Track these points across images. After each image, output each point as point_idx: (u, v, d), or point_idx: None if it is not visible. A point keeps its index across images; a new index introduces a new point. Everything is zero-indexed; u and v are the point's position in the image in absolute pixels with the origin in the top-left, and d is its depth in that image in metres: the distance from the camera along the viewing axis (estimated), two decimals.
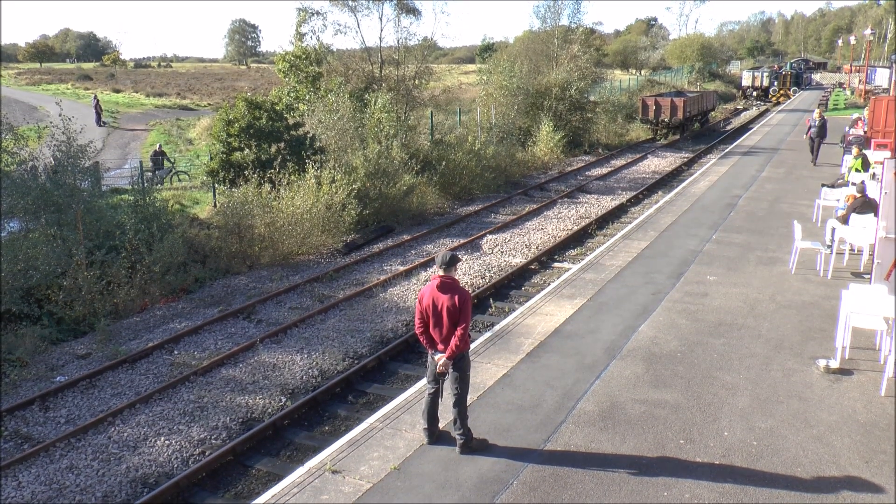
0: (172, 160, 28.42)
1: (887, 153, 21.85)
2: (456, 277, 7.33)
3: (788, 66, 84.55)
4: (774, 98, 65.98)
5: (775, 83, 66.96)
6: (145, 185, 19.17)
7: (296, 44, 30.93)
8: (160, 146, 28.53)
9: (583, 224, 20.69)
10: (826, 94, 58.79)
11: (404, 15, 33.44)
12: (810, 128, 26.30)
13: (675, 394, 8.77)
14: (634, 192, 25.46)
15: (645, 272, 13.80)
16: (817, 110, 26.48)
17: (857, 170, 19.49)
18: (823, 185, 19.12)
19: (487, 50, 79.26)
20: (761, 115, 54.16)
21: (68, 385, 11.34)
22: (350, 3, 32.75)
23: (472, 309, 7.43)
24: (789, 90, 67.29)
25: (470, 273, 16.28)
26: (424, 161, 24.36)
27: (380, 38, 33.54)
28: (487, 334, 10.90)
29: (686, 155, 35.39)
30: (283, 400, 10.81)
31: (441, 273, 7.21)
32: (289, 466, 8.84)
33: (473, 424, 7.77)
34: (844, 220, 14.03)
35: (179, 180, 26.74)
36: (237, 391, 11.00)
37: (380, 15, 33.46)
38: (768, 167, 26.40)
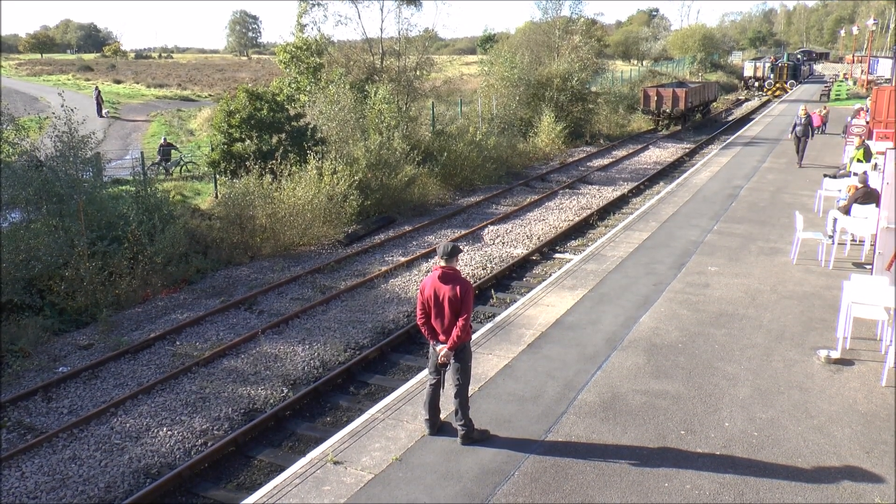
0: (181, 151, 28.47)
1: (889, 143, 21.78)
2: (457, 268, 7.33)
3: (785, 57, 76.83)
4: (770, 92, 62.21)
5: (771, 76, 63.40)
6: (147, 175, 19.13)
7: (297, 35, 30.82)
8: (165, 138, 28.54)
9: (584, 215, 20.68)
10: (827, 86, 57.30)
11: (405, 6, 33.31)
12: (795, 125, 24.30)
13: (676, 384, 8.78)
14: (636, 183, 25.44)
15: (646, 263, 13.80)
16: (802, 107, 24.73)
17: (858, 160, 19.45)
18: (825, 176, 19.09)
19: (489, 41, 78.94)
20: (763, 105, 54.02)
21: (71, 375, 11.36)
22: None
23: (473, 300, 7.42)
24: (786, 83, 63.12)
25: (471, 264, 16.28)
26: (426, 152, 24.32)
27: (381, 29, 33.48)
28: (489, 325, 10.91)
29: (687, 146, 35.35)
30: (285, 391, 10.83)
31: (443, 264, 7.21)
32: (291, 457, 8.86)
33: (475, 415, 7.79)
34: (846, 210, 14.02)
35: (189, 171, 26.77)
36: (239, 382, 11.03)
37: (381, 6, 33.44)
38: (770, 158, 26.36)
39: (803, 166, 24.05)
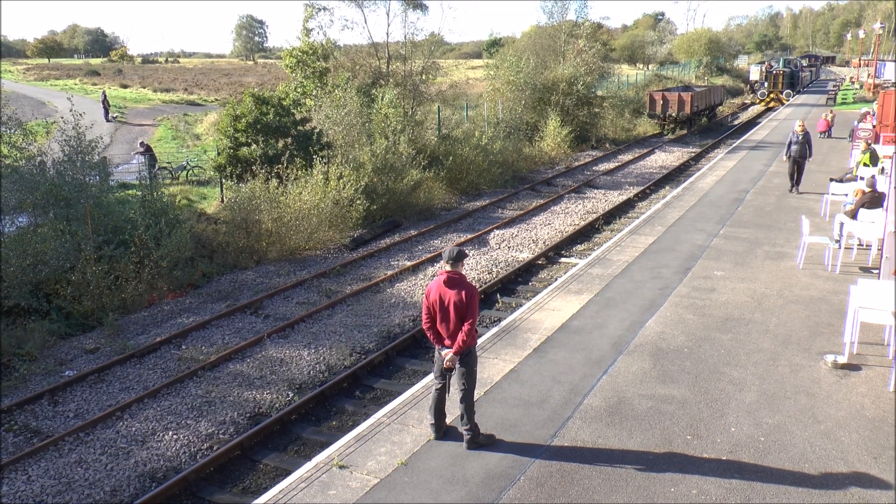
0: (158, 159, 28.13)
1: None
2: (463, 273, 7.33)
3: (781, 63, 63.44)
4: (763, 103, 54.98)
5: (765, 84, 55.57)
6: (153, 179, 19.18)
7: (303, 39, 30.93)
8: (142, 142, 28.29)
9: (590, 219, 20.66)
10: (834, 89, 56.16)
11: (411, 10, 33.43)
12: (790, 144, 20.02)
13: (682, 389, 8.75)
14: (642, 187, 25.40)
15: (652, 267, 13.77)
16: (799, 122, 20.38)
17: (865, 164, 19.38)
18: (832, 180, 19.03)
19: (494, 45, 79.07)
20: (769, 109, 53.84)
21: (77, 379, 11.39)
22: None
23: (479, 304, 7.42)
24: (782, 93, 54.79)
25: (477, 268, 16.28)
26: (431, 156, 24.34)
27: (387, 34, 33.58)
28: (494, 329, 10.90)
29: (693, 150, 35.28)
30: (291, 395, 10.84)
31: (448, 268, 7.21)
32: (296, 461, 8.87)
33: (480, 420, 7.78)
34: (853, 214, 13.97)
35: (195, 174, 26.81)
36: (244, 386, 11.04)
37: (387, 10, 33.74)
38: (776, 161, 26.27)
39: (801, 193, 20.55)
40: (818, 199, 18.85)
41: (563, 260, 17.18)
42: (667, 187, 25.86)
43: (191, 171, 26.98)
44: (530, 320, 11.19)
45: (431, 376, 8.42)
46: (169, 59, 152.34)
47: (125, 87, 66.90)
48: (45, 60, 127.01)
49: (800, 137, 19.79)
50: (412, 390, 9.11)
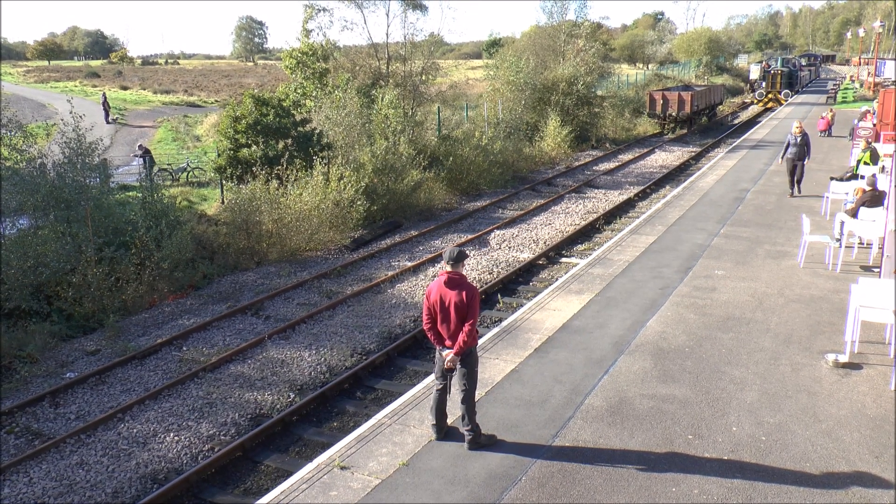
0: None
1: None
2: (464, 273, 7.33)
3: (779, 62, 59.98)
4: (761, 104, 52.87)
5: (763, 84, 53.51)
6: (153, 181, 19.18)
7: (303, 40, 30.96)
8: (141, 145, 28.27)
9: (590, 219, 20.66)
10: (834, 88, 55.67)
11: (411, 10, 33.47)
12: (788, 146, 19.30)
13: (683, 389, 8.75)
14: (642, 187, 25.39)
15: (653, 267, 13.76)
16: (797, 123, 19.34)
17: (865, 163, 19.36)
18: (832, 179, 19.00)
19: (494, 45, 79.14)
20: (769, 109, 53.80)
21: (78, 381, 11.40)
22: None
23: (479, 304, 7.41)
24: (780, 94, 52.74)
25: (478, 268, 16.28)
26: (432, 156, 24.34)
27: (386, 34, 33.62)
28: (495, 330, 10.90)
29: (694, 149, 35.28)
30: (292, 396, 10.84)
31: (449, 269, 7.21)
32: (298, 462, 8.87)
33: (482, 420, 7.78)
34: (853, 213, 13.96)
35: (196, 176, 26.82)
36: (246, 387, 11.04)
37: (386, 11, 33.71)
38: (776, 161, 26.24)
39: (800, 194, 19.97)
40: (819, 198, 18.84)
41: (563, 260, 17.18)
42: (667, 187, 25.86)
43: (191, 173, 27.01)
44: (531, 320, 11.18)
45: (432, 377, 8.42)
46: (169, 61, 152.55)
47: (125, 88, 67.01)
48: (45, 62, 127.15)
49: (797, 139, 19.08)
50: (413, 391, 9.11)
